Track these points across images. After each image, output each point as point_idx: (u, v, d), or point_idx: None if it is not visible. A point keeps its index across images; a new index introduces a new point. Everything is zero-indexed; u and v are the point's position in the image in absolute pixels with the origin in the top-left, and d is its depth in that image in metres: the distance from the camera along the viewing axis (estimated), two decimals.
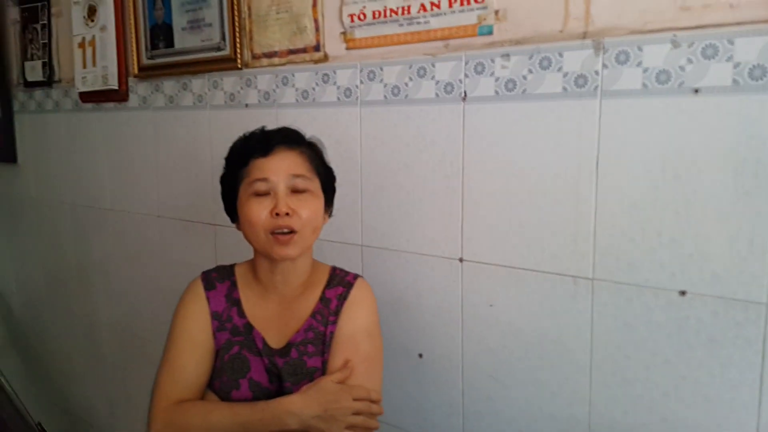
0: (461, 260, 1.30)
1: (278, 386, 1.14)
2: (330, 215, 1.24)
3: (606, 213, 1.11)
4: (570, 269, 1.16)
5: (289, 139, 1.16)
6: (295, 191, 1.12)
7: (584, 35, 1.11)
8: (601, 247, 1.13)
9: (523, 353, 1.24)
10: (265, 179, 1.11)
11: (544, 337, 1.21)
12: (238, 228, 1.19)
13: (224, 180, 1.21)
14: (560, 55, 1.12)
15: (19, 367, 2.78)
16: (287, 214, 1.09)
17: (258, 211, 1.11)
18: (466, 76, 1.24)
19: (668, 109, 1.04)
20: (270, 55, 1.57)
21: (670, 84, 1.03)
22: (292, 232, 1.10)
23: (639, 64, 1.05)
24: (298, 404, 1.07)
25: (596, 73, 1.09)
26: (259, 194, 1.11)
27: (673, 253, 1.06)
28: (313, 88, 1.49)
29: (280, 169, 1.11)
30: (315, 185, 1.15)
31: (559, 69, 1.13)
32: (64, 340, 2.51)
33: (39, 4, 2.24)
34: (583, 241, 1.14)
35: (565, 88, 1.12)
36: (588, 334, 1.16)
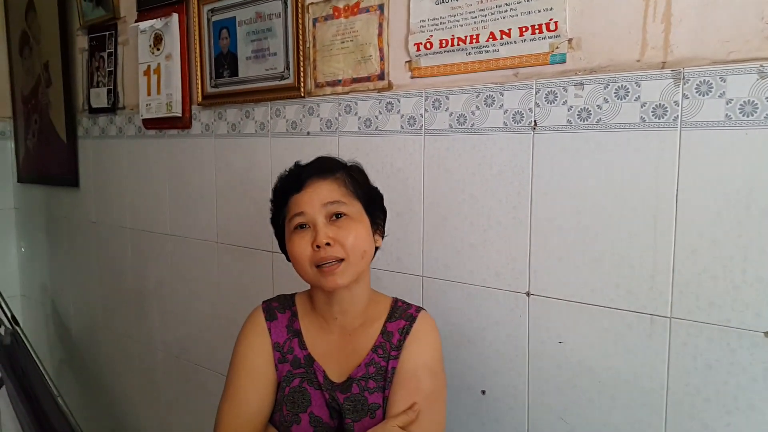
0: (528, 294, 1.26)
1: (339, 422, 1.11)
2: (382, 236, 1.22)
3: (686, 249, 1.06)
4: (646, 307, 1.11)
5: (321, 169, 1.15)
6: (335, 219, 1.11)
7: (663, 65, 1.08)
8: (680, 284, 1.07)
9: (594, 394, 1.18)
10: (301, 213, 1.10)
11: (617, 377, 1.15)
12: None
13: (273, 221, 1.21)
14: (638, 84, 1.09)
15: (76, 388, 2.83)
16: (328, 244, 1.08)
17: (301, 247, 1.10)
18: (536, 104, 1.21)
19: (753, 141, 0.99)
20: (333, 83, 1.57)
21: (756, 116, 0.99)
22: (338, 261, 1.09)
23: (722, 94, 1.01)
24: None
25: (676, 103, 1.06)
26: (299, 229, 1.11)
27: (758, 293, 1.01)
28: (376, 117, 1.49)
29: (314, 200, 1.10)
30: (355, 209, 1.13)
31: (637, 99, 1.09)
32: (120, 362, 2.54)
33: (107, 33, 2.32)
34: (661, 278, 1.09)
35: (642, 118, 1.09)
36: (664, 375, 1.10)
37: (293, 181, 1.14)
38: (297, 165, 1.19)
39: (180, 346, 2.20)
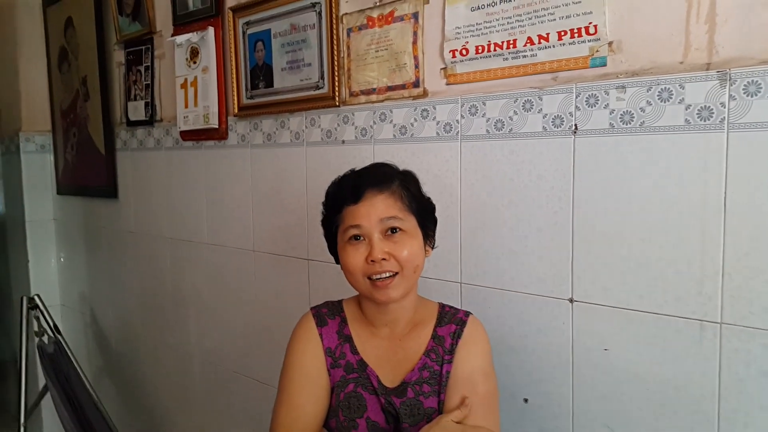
0: (572, 301, 1.24)
1: (395, 427, 1.12)
2: (433, 247, 1.22)
3: (736, 252, 1.04)
4: (695, 312, 1.09)
5: (378, 180, 1.14)
6: (390, 234, 1.11)
7: (708, 66, 1.05)
8: (730, 289, 1.05)
9: (642, 401, 1.16)
10: (357, 226, 1.11)
11: (665, 384, 1.13)
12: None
13: (324, 224, 1.22)
14: (681, 86, 1.07)
15: (114, 395, 2.87)
16: (383, 259, 1.09)
17: (355, 259, 1.11)
18: (577, 108, 1.20)
19: None
20: (368, 92, 1.58)
21: None
22: (392, 275, 1.10)
23: None
24: None
25: (722, 105, 1.03)
26: (354, 240, 1.12)
27: None
28: (412, 124, 1.49)
29: (372, 214, 1.10)
30: (410, 224, 1.13)
31: (681, 101, 1.07)
32: (158, 370, 2.57)
33: (143, 47, 2.37)
34: (710, 283, 1.07)
35: (687, 121, 1.07)
36: (715, 383, 1.08)
37: (349, 191, 1.14)
38: (353, 172, 1.19)
39: (217, 353, 2.22)
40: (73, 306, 3.11)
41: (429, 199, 1.22)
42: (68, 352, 2.46)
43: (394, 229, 1.11)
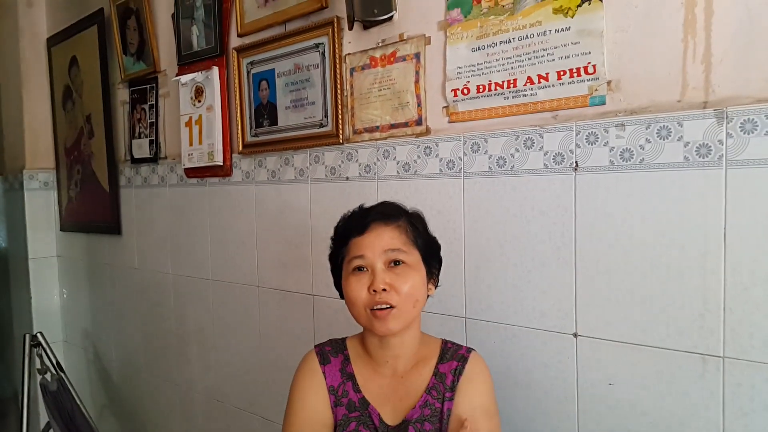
0: (576, 335, 1.25)
1: None
2: (436, 286, 1.24)
3: (736, 287, 1.05)
4: (698, 347, 1.10)
5: (384, 214, 1.17)
6: (393, 265, 1.13)
7: (705, 105, 1.08)
8: (731, 323, 1.06)
9: None
10: (361, 256, 1.13)
11: (670, 418, 1.13)
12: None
13: (331, 259, 1.24)
14: (680, 124, 1.10)
15: None
16: (384, 289, 1.10)
17: (357, 289, 1.13)
18: (577, 146, 1.23)
19: None
20: (371, 129, 1.61)
21: None
22: (391, 306, 1.11)
23: None
24: None
25: (720, 142, 1.06)
26: (357, 271, 1.13)
27: None
28: (415, 161, 1.51)
29: (376, 245, 1.13)
30: (413, 258, 1.15)
31: (679, 138, 1.10)
32: (161, 407, 2.56)
33: (148, 86, 2.41)
34: (711, 317, 1.08)
35: (686, 158, 1.09)
36: (719, 417, 1.08)
37: (356, 223, 1.17)
38: (361, 207, 1.22)
39: (221, 390, 2.21)
40: (76, 342, 3.10)
41: (435, 238, 1.24)
42: (71, 389, 2.44)
43: (397, 262, 1.13)
